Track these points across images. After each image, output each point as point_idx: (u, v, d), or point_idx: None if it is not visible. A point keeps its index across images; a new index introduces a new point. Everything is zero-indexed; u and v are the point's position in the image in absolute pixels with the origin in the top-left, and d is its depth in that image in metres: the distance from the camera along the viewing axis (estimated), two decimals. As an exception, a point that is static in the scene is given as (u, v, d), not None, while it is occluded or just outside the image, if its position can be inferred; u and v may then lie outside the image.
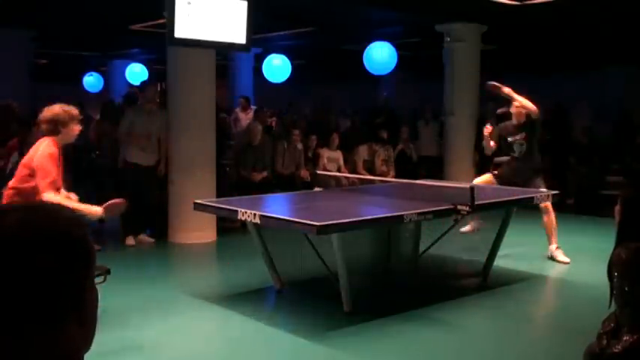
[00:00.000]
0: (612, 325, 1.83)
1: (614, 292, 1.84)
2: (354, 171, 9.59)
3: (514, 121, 7.02)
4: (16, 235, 0.88)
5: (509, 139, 7.05)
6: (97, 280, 0.97)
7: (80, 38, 12.98)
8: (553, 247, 6.88)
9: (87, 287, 0.94)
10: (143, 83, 8.80)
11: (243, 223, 5.98)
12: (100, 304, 0.99)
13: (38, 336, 0.88)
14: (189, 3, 6.30)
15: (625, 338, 1.74)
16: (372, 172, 9.87)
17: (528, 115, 6.86)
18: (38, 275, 0.88)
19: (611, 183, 11.05)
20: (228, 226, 8.00)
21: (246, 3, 6.71)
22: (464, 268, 6.44)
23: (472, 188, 5.08)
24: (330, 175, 8.27)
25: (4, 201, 4.46)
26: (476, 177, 10.43)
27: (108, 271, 0.97)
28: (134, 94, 9.88)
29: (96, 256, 0.96)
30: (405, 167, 10.47)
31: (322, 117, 12.52)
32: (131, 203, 7.51)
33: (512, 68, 14.92)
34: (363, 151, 9.90)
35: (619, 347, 1.74)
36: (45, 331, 0.89)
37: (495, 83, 7.03)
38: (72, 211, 0.92)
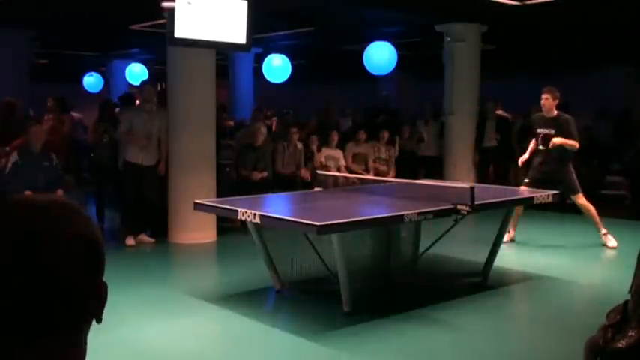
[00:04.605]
0: (618, 317, 1.79)
1: (633, 287, 1.79)
2: (348, 168, 9.63)
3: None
4: (33, 241, 0.85)
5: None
6: None
7: (80, 38, 12.97)
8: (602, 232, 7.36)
9: (99, 288, 0.93)
10: (142, 83, 8.80)
11: (243, 223, 5.97)
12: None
13: (52, 347, 0.86)
14: (189, 3, 6.30)
15: (630, 334, 1.71)
16: (366, 165, 9.89)
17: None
18: (54, 282, 0.86)
19: (611, 183, 11.05)
20: (228, 226, 8.00)
21: (246, 3, 6.70)
22: (464, 268, 6.44)
23: (472, 188, 5.08)
24: (330, 175, 8.27)
25: None
26: (476, 176, 10.49)
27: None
28: (131, 94, 9.88)
29: (105, 256, 0.94)
30: (408, 166, 10.52)
31: (324, 117, 12.53)
32: (132, 203, 7.59)
33: (512, 68, 14.94)
34: (351, 147, 9.95)
35: (623, 342, 1.71)
36: (60, 339, 0.87)
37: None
38: (83, 209, 0.91)
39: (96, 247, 0.91)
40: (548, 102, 7.24)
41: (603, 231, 7.35)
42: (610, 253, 7.21)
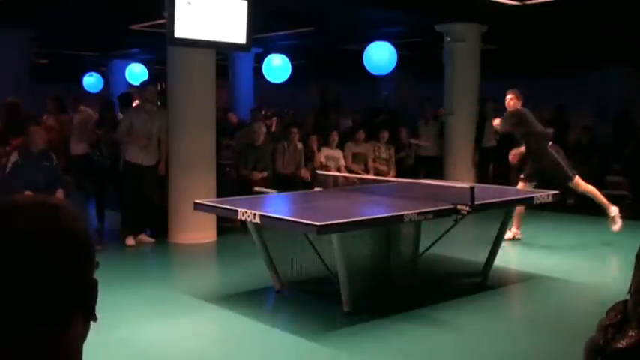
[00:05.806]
0: (618, 317, 1.78)
1: (633, 287, 1.78)
2: (348, 168, 9.64)
3: None
4: (27, 237, 0.87)
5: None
6: None
7: (80, 38, 12.98)
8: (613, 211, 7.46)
9: (90, 283, 0.94)
10: (143, 83, 8.79)
11: (243, 223, 5.98)
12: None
13: (48, 337, 0.88)
14: (189, 3, 6.30)
15: (631, 334, 1.71)
16: (366, 165, 9.89)
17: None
18: (49, 276, 0.87)
19: (611, 183, 11.04)
20: (228, 226, 8.00)
21: (246, 3, 6.71)
22: (464, 268, 6.44)
23: (472, 188, 5.08)
24: (329, 175, 8.27)
25: None
26: (476, 176, 10.50)
27: (96, 264, 0.97)
28: (130, 94, 9.87)
29: (94, 254, 0.96)
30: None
31: (324, 117, 12.52)
32: (132, 203, 7.59)
33: (512, 68, 14.92)
34: (350, 147, 9.96)
35: (624, 342, 1.70)
36: (54, 331, 0.88)
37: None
38: (74, 206, 0.91)
39: (84, 245, 0.93)
40: (513, 102, 7.56)
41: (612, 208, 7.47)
42: (610, 253, 7.20)
